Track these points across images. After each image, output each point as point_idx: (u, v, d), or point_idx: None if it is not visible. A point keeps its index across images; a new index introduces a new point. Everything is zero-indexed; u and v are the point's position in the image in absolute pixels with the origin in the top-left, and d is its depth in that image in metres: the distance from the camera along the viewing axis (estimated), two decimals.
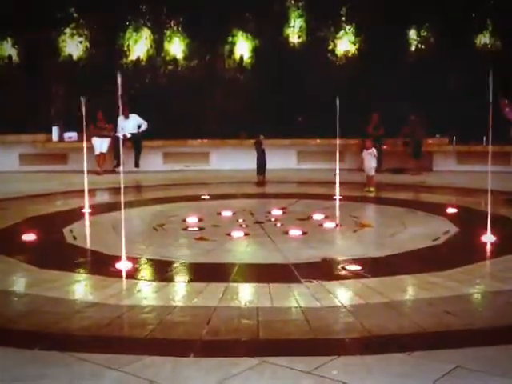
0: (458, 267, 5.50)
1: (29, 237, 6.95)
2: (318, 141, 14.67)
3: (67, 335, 3.98)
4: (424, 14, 15.37)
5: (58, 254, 6.37)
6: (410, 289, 5.12)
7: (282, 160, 14.55)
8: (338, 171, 9.05)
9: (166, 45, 16.04)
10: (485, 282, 5.24)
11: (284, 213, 8.69)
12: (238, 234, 7.17)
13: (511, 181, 11.02)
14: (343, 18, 15.97)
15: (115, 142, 13.33)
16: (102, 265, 5.75)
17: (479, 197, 8.91)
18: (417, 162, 13.88)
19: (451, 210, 8.58)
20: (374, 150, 11.03)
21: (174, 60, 16.06)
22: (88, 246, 6.75)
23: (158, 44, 16.01)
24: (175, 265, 5.83)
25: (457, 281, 5.13)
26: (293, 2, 16.04)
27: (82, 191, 8.88)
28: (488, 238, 6.53)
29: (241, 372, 3.34)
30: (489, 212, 6.56)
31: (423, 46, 15.82)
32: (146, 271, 5.69)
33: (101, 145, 14.06)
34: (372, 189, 10.88)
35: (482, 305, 4.86)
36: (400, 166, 13.95)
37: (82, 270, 5.67)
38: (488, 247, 6.34)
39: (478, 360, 3.47)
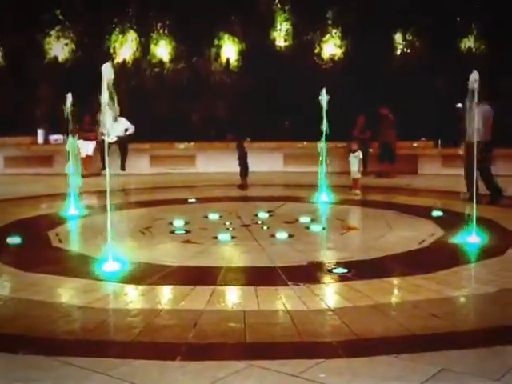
0: (443, 270, 5.54)
1: (14, 240, 6.90)
2: (305, 143, 14.69)
3: (53, 339, 3.95)
4: (410, 17, 15.45)
5: (44, 258, 6.32)
6: (396, 291, 5.15)
7: (269, 163, 14.56)
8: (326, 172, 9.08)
9: (153, 47, 16.02)
10: (470, 285, 5.28)
11: (271, 216, 8.69)
12: (224, 237, 7.16)
13: None
14: (329, 22, 16.02)
15: (101, 145, 13.26)
16: (87, 268, 5.72)
17: (464, 199, 8.97)
18: (388, 165, 13.81)
19: (437, 213, 8.63)
20: (359, 153, 11.07)
21: (161, 62, 16.04)
22: (74, 249, 6.71)
23: (145, 47, 15.98)
24: (162, 268, 5.81)
25: (442, 283, 5.16)
26: (279, 5, 16.07)
27: (68, 194, 8.84)
28: (473, 240, 6.58)
29: (227, 375, 3.34)
30: (474, 214, 6.62)
31: (409, 50, 15.92)
32: (132, 274, 5.65)
33: (87, 147, 13.99)
34: (358, 192, 10.91)
35: (467, 307, 4.89)
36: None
37: (67, 274, 5.61)
38: (473, 250, 6.38)
39: (463, 362, 3.50)
